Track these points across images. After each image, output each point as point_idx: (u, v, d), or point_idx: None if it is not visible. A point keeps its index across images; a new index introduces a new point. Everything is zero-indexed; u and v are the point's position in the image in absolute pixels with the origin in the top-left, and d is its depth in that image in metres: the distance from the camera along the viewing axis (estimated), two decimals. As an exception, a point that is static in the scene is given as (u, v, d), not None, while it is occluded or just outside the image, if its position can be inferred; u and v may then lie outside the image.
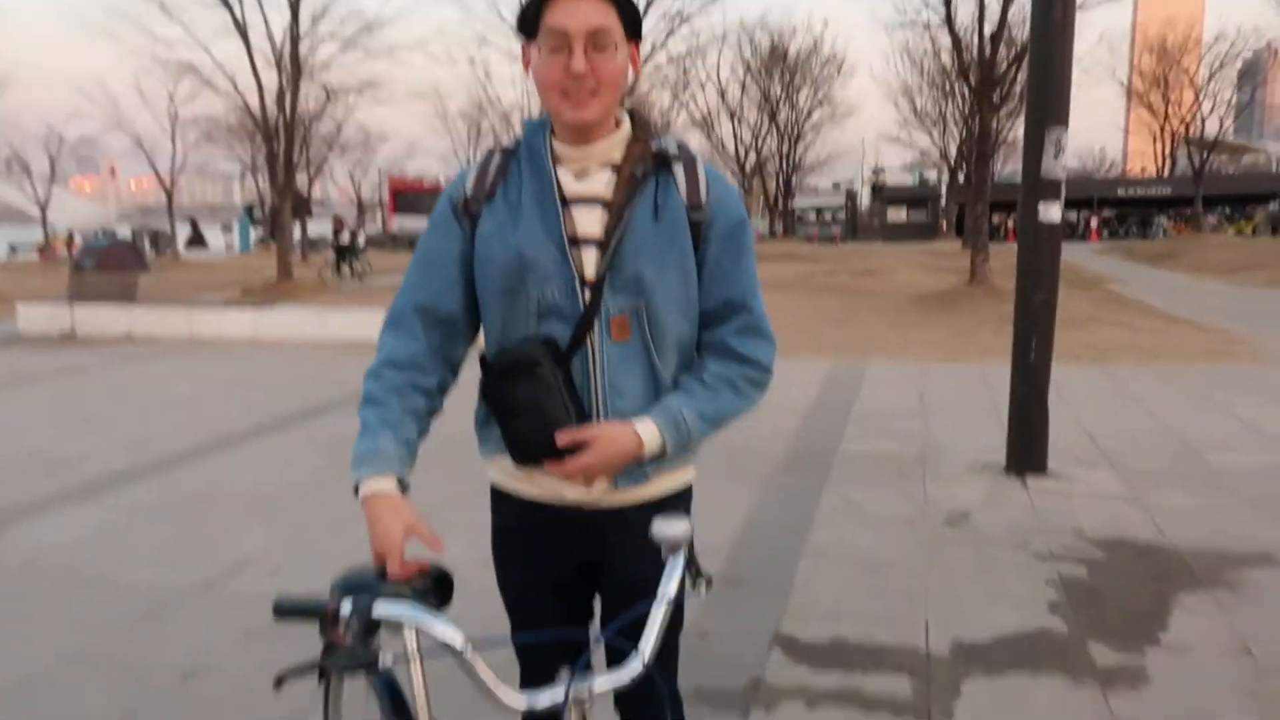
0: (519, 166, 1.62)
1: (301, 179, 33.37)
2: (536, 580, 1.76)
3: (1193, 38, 44.05)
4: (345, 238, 24.63)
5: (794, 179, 46.78)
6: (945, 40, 19.94)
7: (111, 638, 3.43)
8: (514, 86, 37.39)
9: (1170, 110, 42.67)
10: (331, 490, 5.31)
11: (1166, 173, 52.03)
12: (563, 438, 1.53)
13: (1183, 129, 41.93)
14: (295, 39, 18.41)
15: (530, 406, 1.56)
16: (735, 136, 36.91)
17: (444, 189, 1.69)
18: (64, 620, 3.57)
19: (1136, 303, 15.46)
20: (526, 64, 1.60)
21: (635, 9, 1.58)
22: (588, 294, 1.56)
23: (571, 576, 1.75)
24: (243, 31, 18.29)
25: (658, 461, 1.63)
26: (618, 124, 1.63)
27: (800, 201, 56.40)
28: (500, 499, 1.79)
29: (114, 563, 4.17)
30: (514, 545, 1.78)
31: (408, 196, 62.66)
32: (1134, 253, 30.91)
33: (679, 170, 1.61)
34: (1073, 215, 47.39)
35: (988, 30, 16.35)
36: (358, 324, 11.81)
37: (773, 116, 39.00)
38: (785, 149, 43.18)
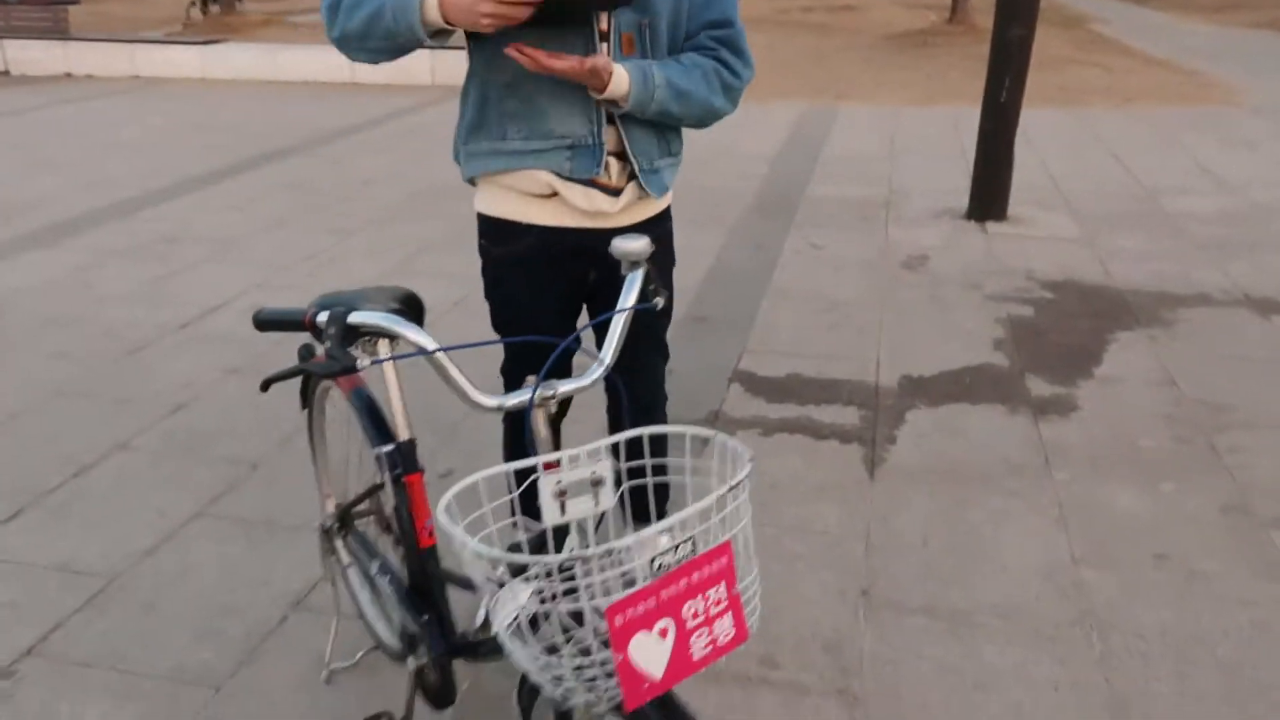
0: None
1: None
2: (543, 306, 1.87)
3: None
4: None
5: None
6: None
7: (96, 372, 3.55)
8: None
9: None
10: (299, 231, 5.32)
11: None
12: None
13: None
14: None
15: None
16: None
17: None
18: (47, 358, 3.68)
19: (1115, 43, 15.03)
20: None
21: None
22: (602, 15, 1.68)
23: (574, 296, 1.90)
24: None
25: (616, 110, 1.73)
26: None
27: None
28: (506, 229, 1.85)
29: (88, 304, 4.23)
30: (522, 273, 1.86)
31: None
32: (1121, -13, 29.59)
33: None
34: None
35: None
36: (312, 63, 11.27)
37: None
38: None
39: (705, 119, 1.82)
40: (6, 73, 11.89)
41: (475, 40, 1.75)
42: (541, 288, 1.88)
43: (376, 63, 1.78)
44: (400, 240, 5.14)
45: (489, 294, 1.98)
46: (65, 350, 3.75)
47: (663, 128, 1.83)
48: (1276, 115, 8.84)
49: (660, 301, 1.42)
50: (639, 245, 1.39)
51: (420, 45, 1.68)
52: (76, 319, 4.07)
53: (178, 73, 11.51)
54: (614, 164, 1.79)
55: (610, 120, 1.75)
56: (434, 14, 1.57)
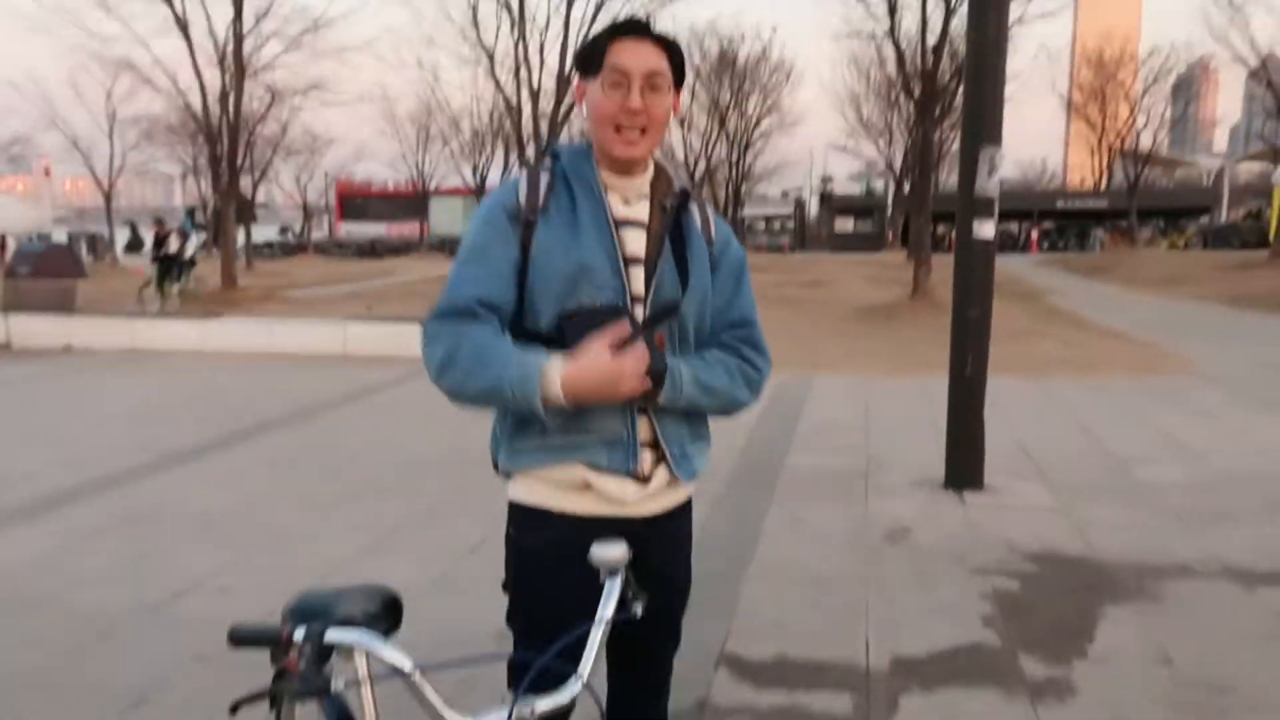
0: (566, 187, 1.78)
1: (245, 182, 32.89)
2: (574, 596, 1.78)
3: (1128, 52, 45.38)
4: (173, 246, 17.85)
5: (743, 187, 47.23)
6: (890, 51, 20.32)
7: (60, 661, 3.42)
8: (462, 91, 37.21)
9: (1107, 123, 43.90)
10: (282, 508, 5.31)
11: (1104, 186, 53.50)
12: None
13: (1119, 142, 43.17)
14: (239, 36, 18.18)
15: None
16: (684, 143, 37.22)
17: (491, 196, 1.80)
18: (11, 643, 3.55)
19: (1072, 315, 15.93)
20: (580, 98, 1.81)
21: (683, 58, 1.81)
22: (637, 309, 1.75)
23: (599, 587, 1.85)
24: (184, 28, 18.02)
25: (650, 405, 1.77)
26: (651, 162, 1.85)
27: (749, 210, 56.96)
28: (538, 517, 1.82)
29: (60, 585, 4.14)
30: (554, 565, 1.81)
31: (355, 201, 62.14)
32: (1072, 265, 31.76)
33: (694, 208, 1.86)
34: (1014, 227, 48.51)
35: (930, 42, 16.72)
36: (307, 335, 11.74)
37: (722, 123, 39.37)
38: (734, 156, 43.58)
39: (729, 410, 1.91)
40: (8, 345, 12.28)
41: (529, 334, 1.81)
42: (569, 578, 1.82)
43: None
44: (380, 516, 5.14)
45: (512, 584, 1.91)
46: (30, 637, 3.62)
47: (691, 414, 1.89)
48: (1230, 385, 9.24)
49: (639, 609, 1.43)
50: (616, 553, 1.42)
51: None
52: (46, 601, 3.96)
53: (176, 345, 11.92)
54: (647, 454, 1.82)
55: (643, 411, 1.80)
56: (555, 390, 1.63)
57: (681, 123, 35.88)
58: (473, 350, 1.67)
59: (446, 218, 56.84)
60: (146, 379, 9.88)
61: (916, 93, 17.84)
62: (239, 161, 20.48)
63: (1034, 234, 48.32)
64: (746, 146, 44.28)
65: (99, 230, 45.67)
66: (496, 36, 15.83)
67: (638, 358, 1.65)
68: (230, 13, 18.04)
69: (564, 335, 1.70)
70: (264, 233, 51.97)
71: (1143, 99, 41.85)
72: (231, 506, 5.36)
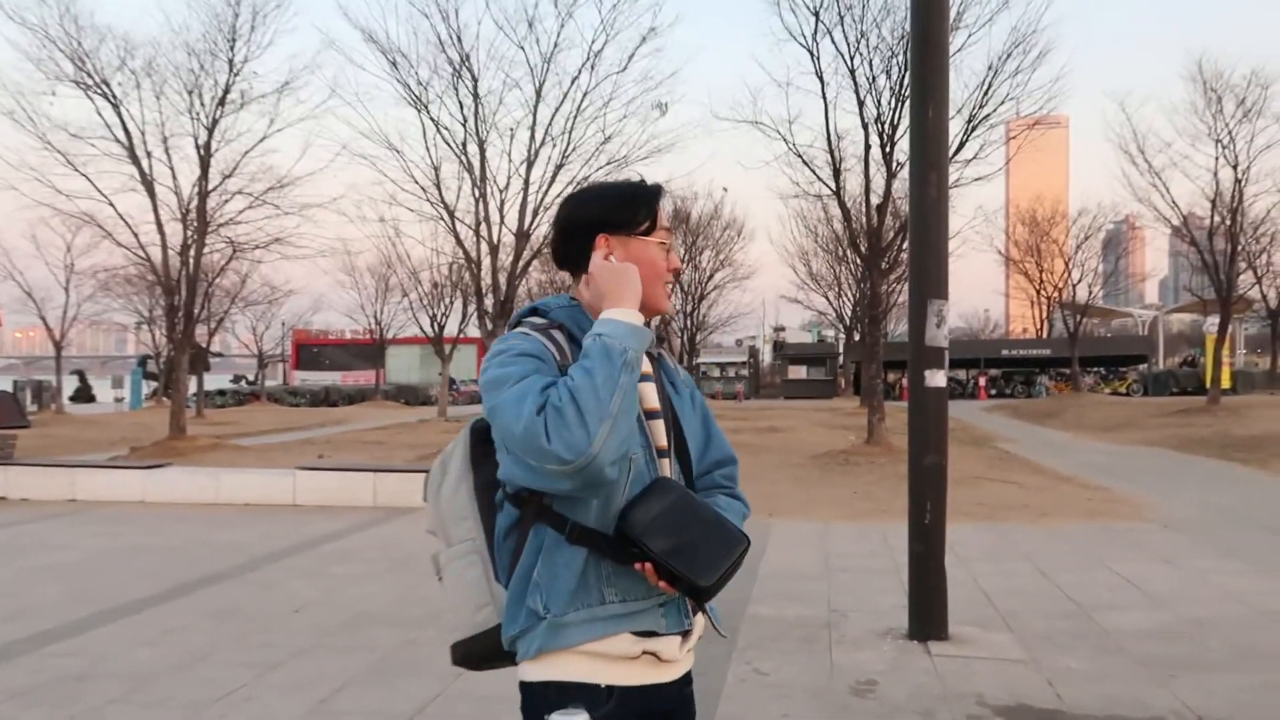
0: (579, 348, 1.69)
1: (201, 331, 32.76)
2: None
3: (1059, 212, 47.76)
4: None
5: (698, 336, 48.05)
6: (836, 210, 21.19)
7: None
8: (422, 245, 37.91)
9: (1044, 277, 45.73)
10: (219, 665, 5.03)
11: (1045, 334, 55.30)
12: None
13: (1056, 294, 44.89)
14: (204, 194, 18.49)
15: (701, 531, 1.65)
16: (641, 297, 37.94)
17: (521, 345, 1.68)
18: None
19: (1025, 460, 16.12)
20: (608, 254, 1.78)
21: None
22: (663, 463, 1.74)
23: None
24: (149, 186, 18.31)
25: None
26: None
27: (705, 358, 57.81)
28: (585, 696, 1.64)
29: (-28, 758, 3.83)
30: None
31: (311, 350, 62.08)
32: (1019, 411, 32.40)
33: (665, 351, 1.91)
34: (962, 374, 49.63)
35: (874, 201, 17.49)
36: (254, 485, 11.46)
37: (677, 276, 40.35)
38: (689, 308, 44.49)
39: None
40: (-60, 497, 11.79)
41: (571, 498, 1.66)
42: None
43: (616, 471, 1.60)
44: (324, 675, 4.88)
45: None
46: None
47: None
48: (1187, 529, 9.31)
49: None
50: None
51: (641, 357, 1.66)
52: (-46, 775, 3.66)
53: (119, 495, 11.53)
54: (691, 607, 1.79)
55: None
56: (634, 317, 1.68)
57: (638, 275, 36.65)
58: (566, 393, 1.55)
59: (403, 366, 56.92)
60: (86, 530, 9.49)
61: (863, 248, 18.52)
62: (196, 312, 20.46)
63: (981, 381, 49.46)
64: (701, 298, 45.31)
65: (47, 378, 44.82)
66: (458, 195, 16.29)
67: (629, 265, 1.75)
68: (196, 171, 18.43)
69: (635, 535, 1.63)
70: (217, 381, 51.42)
71: (1076, 255, 43.83)
72: (169, 665, 5.06)
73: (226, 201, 18.85)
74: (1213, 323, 33.05)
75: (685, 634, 1.76)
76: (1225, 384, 30.86)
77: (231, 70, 18.06)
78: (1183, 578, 7.16)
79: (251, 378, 54.80)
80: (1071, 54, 20.32)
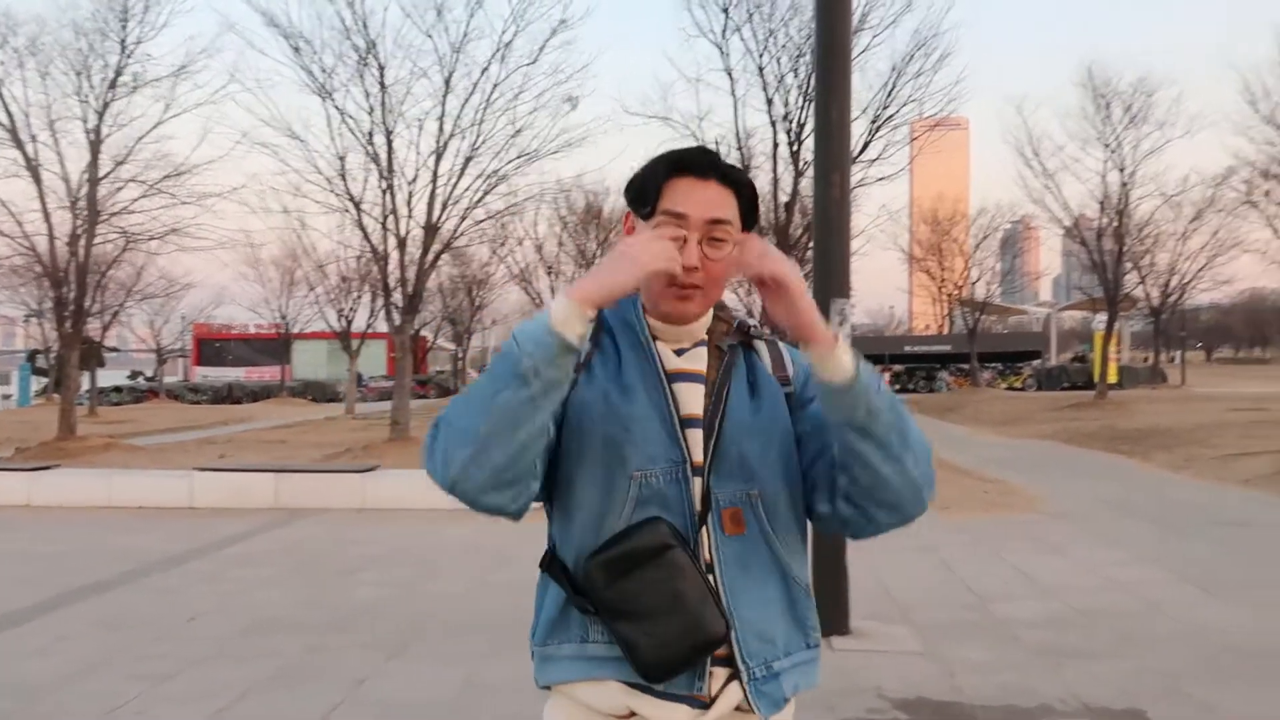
0: (610, 338, 1.49)
1: (94, 325, 31.33)
2: None
3: (960, 211, 49.39)
4: None
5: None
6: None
7: None
8: (329, 237, 36.94)
9: (945, 275, 47.19)
10: (113, 677, 4.83)
11: (946, 331, 57.08)
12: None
13: (957, 292, 46.37)
14: (94, 181, 17.66)
15: (667, 602, 1.34)
16: (552, 290, 37.81)
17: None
18: None
19: (927, 454, 16.60)
20: (628, 231, 1.49)
21: (756, 202, 1.50)
22: (696, 481, 1.42)
23: None
24: (35, 172, 17.40)
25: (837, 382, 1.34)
26: None
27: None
28: None
29: None
30: None
31: (213, 345, 60.03)
32: (921, 405, 33.35)
33: (762, 346, 1.56)
34: (867, 369, 50.85)
35: (782, 199, 17.76)
36: (148, 487, 11.02)
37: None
38: (602, 303, 44.63)
39: (925, 477, 1.43)
40: None
41: (562, 512, 1.49)
42: None
43: (504, 500, 1.35)
44: (221, 684, 4.73)
45: None
46: None
47: (798, 603, 1.48)
48: (1076, 520, 9.73)
49: None
50: None
51: (560, 382, 1.31)
52: None
53: (1, 500, 10.95)
54: (718, 671, 1.42)
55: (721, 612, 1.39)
56: (561, 306, 1.28)
57: (549, 271, 36.57)
58: (460, 401, 1.34)
59: (310, 362, 55.52)
60: (-38, 538, 8.99)
61: (772, 245, 18.74)
62: (88, 306, 19.53)
63: (886, 377, 50.71)
64: (613, 293, 45.45)
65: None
66: (364, 186, 15.89)
67: (656, 235, 1.36)
68: (86, 156, 17.58)
69: (602, 584, 1.38)
70: (112, 377, 49.24)
71: (975, 253, 45.37)
72: (57, 676, 4.83)
73: (119, 189, 18.06)
74: (1101, 320, 34.68)
75: (697, 702, 1.41)
76: (1112, 379, 32.38)
77: (123, 51, 17.31)
78: (1072, 567, 7.48)
79: (149, 374, 52.72)
80: (971, 58, 20.99)
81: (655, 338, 1.49)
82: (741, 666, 1.41)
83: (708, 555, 1.42)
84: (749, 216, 1.48)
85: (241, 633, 5.71)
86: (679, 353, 1.50)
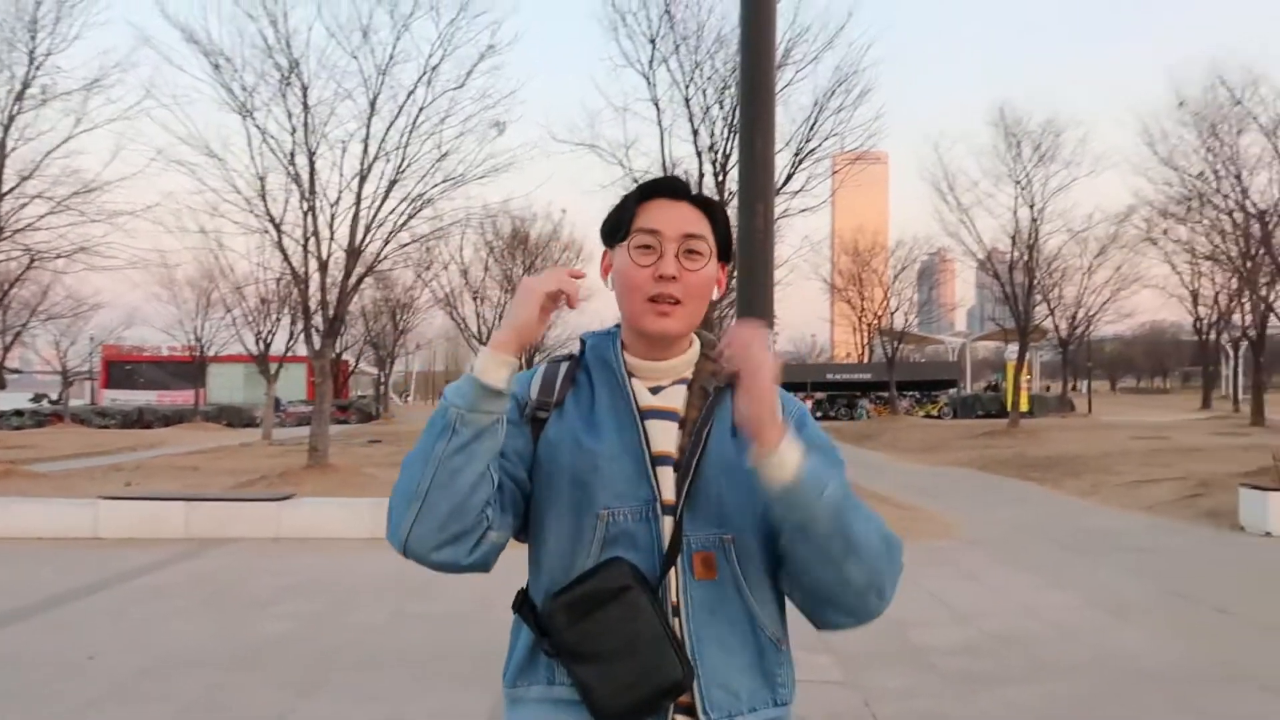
0: (587, 376, 1.50)
1: (-8, 346, 29.92)
2: None
3: (879, 243, 50.56)
4: None
5: (535, 357, 48.06)
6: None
7: None
8: (247, 258, 36.06)
9: (865, 304, 48.20)
10: (-3, 726, 4.56)
11: (866, 359, 58.25)
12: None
13: (876, 321, 47.39)
14: (-3, 197, 16.93)
15: (624, 644, 1.32)
16: (478, 315, 37.52)
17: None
18: None
19: (847, 481, 16.86)
20: (605, 272, 1.52)
21: (729, 228, 1.52)
22: (666, 521, 1.39)
23: None
24: (-71, 185, 16.61)
25: (777, 488, 1.31)
26: (689, 342, 1.54)
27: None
28: None
29: None
30: None
31: (123, 368, 57.90)
32: (842, 432, 33.89)
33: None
34: (790, 396, 51.55)
35: (708, 230, 17.95)
36: (49, 516, 10.53)
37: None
38: (527, 328, 44.45)
39: (871, 584, 1.39)
40: None
41: (534, 552, 1.48)
42: None
43: (457, 554, 1.36)
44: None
45: None
46: None
47: (767, 656, 1.44)
48: (989, 547, 9.97)
49: None
50: None
51: (489, 427, 1.33)
52: None
53: (-118, 531, 10.33)
54: None
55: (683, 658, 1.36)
56: (483, 356, 1.34)
57: (474, 296, 36.31)
58: (405, 466, 1.37)
59: (226, 386, 53.95)
60: None
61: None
62: (-13, 324, 18.68)
63: (808, 404, 51.36)
64: (539, 319, 45.32)
65: None
66: (285, 208, 15.54)
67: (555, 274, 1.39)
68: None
69: (562, 624, 1.36)
70: (14, 400, 47.07)
71: (894, 284, 46.49)
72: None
73: (24, 205, 17.33)
74: (1013, 350, 35.79)
75: None
76: (1024, 407, 33.38)
77: (32, 63, 16.67)
78: (988, 594, 7.64)
79: (54, 396, 50.53)
80: (890, 95, 21.59)
81: (631, 375, 1.49)
82: (703, 717, 1.37)
83: (674, 598, 1.39)
84: (725, 244, 1.51)
85: (144, 671, 5.46)
86: (655, 390, 1.49)
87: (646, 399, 1.47)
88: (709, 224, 1.48)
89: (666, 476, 1.41)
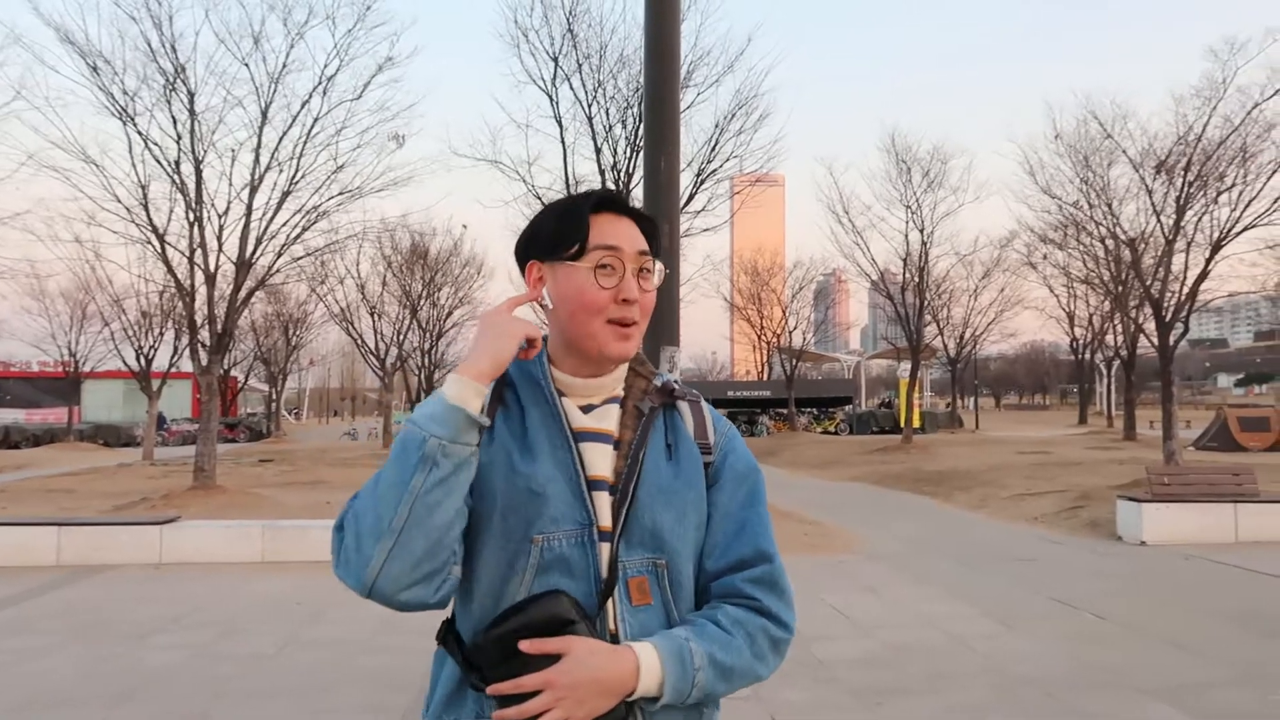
0: (514, 394, 1.42)
1: None
2: None
3: (777, 263, 51.57)
4: None
5: (435, 374, 47.14)
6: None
7: None
8: (128, 270, 34.44)
9: (764, 323, 49.07)
10: None
11: (766, 377, 59.26)
12: (527, 645, 1.24)
13: (775, 339, 48.29)
14: None
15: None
16: (375, 331, 36.72)
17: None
18: None
19: (748, 497, 17.04)
20: (537, 284, 1.43)
21: (660, 238, 1.50)
22: (603, 547, 1.34)
23: None
24: None
25: (645, 712, 1.31)
26: None
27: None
28: None
29: None
30: None
31: (-12, 384, 54.54)
32: (743, 448, 34.32)
33: (685, 408, 1.49)
34: (691, 414, 51.99)
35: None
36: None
37: (414, 313, 39.42)
38: (427, 345, 43.59)
39: (759, 679, 1.44)
40: None
41: (464, 580, 1.38)
42: None
43: (425, 593, 1.28)
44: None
45: None
46: None
47: (695, 708, 1.41)
48: (887, 560, 10.19)
49: None
50: None
51: (467, 459, 1.27)
52: None
53: None
54: None
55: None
56: (453, 383, 1.27)
57: (372, 311, 35.54)
58: (365, 496, 1.28)
59: (103, 403, 51.41)
60: None
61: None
62: None
63: (709, 421, 51.97)
64: (439, 336, 44.55)
65: None
66: (170, 218, 14.88)
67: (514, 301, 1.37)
68: None
69: (494, 658, 1.29)
70: None
71: (791, 303, 47.48)
72: None
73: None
74: (905, 368, 36.93)
75: None
76: (916, 423, 34.39)
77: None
78: (884, 606, 7.80)
79: None
80: (788, 119, 22.14)
81: (561, 393, 1.43)
82: None
83: (613, 626, 1.35)
84: (656, 250, 1.50)
85: (10, 711, 5.08)
86: (587, 409, 1.44)
87: (579, 419, 1.42)
88: (649, 241, 1.47)
89: (602, 500, 1.37)
